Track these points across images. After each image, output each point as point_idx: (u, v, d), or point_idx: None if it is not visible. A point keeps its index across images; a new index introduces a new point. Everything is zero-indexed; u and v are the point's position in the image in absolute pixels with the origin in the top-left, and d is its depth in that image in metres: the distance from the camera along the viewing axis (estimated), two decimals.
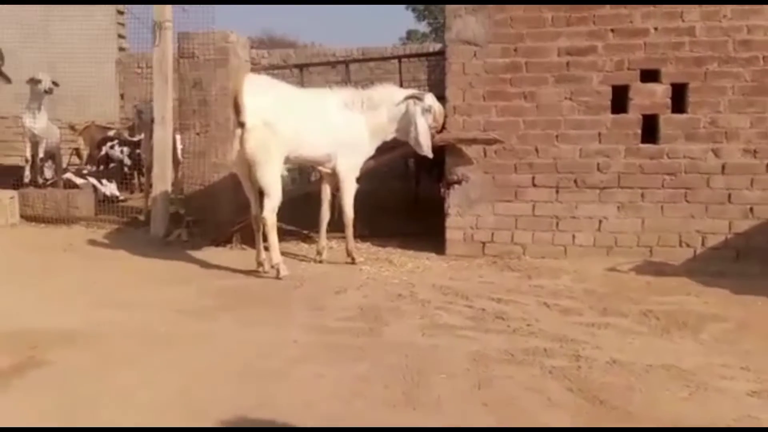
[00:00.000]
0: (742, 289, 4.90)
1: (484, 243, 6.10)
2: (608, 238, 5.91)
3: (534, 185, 6.00)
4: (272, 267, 5.41)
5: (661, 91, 5.79)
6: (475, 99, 6.06)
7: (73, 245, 6.62)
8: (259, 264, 5.55)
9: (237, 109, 5.15)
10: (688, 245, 5.81)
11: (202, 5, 7.17)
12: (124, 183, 9.66)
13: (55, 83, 8.38)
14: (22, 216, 7.69)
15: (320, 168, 5.93)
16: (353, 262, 5.84)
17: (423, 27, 29.12)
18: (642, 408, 2.98)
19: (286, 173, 5.64)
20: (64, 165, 9.95)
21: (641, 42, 5.79)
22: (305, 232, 6.85)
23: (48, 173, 9.10)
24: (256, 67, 9.86)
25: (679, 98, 5.79)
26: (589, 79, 5.88)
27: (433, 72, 11.00)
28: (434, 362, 3.51)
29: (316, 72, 11.40)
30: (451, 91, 6.11)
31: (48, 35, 9.49)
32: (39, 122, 8.36)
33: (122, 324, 4.14)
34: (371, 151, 5.99)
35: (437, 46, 11.98)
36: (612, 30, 5.83)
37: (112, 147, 10.27)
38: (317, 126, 5.64)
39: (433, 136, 5.88)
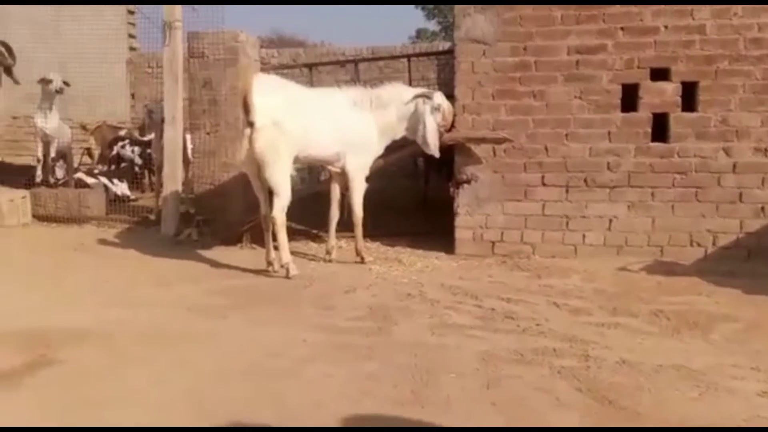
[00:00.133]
0: (753, 289, 4.87)
1: (493, 242, 6.09)
2: (618, 238, 5.88)
3: (543, 184, 5.99)
4: (282, 266, 5.43)
5: (671, 89, 5.76)
6: (485, 98, 6.05)
7: (85, 244, 6.67)
8: (269, 263, 5.57)
9: (246, 108, 5.16)
10: (698, 245, 5.78)
11: (211, 5, 7.20)
12: (134, 182, 9.72)
13: (66, 83, 8.43)
14: (33, 215, 7.73)
15: (329, 167, 5.95)
16: (362, 261, 5.85)
17: (432, 26, 29.10)
18: (651, 408, 2.97)
19: (295, 173, 5.66)
20: (76, 165, 10.01)
21: (651, 40, 5.77)
22: (314, 231, 6.87)
23: (59, 173, 9.15)
24: (266, 67, 9.89)
25: (689, 97, 5.76)
26: (599, 77, 5.85)
27: (442, 71, 11.00)
28: (443, 362, 3.51)
29: (326, 71, 11.43)
30: (460, 90, 6.10)
31: (59, 35, 9.55)
32: (50, 122, 8.41)
33: (133, 323, 4.17)
34: (380, 150, 5.99)
35: (447, 45, 11.96)
36: (622, 28, 5.81)
37: (123, 147, 10.33)
38: (326, 125, 5.65)
39: (441, 135, 5.88)
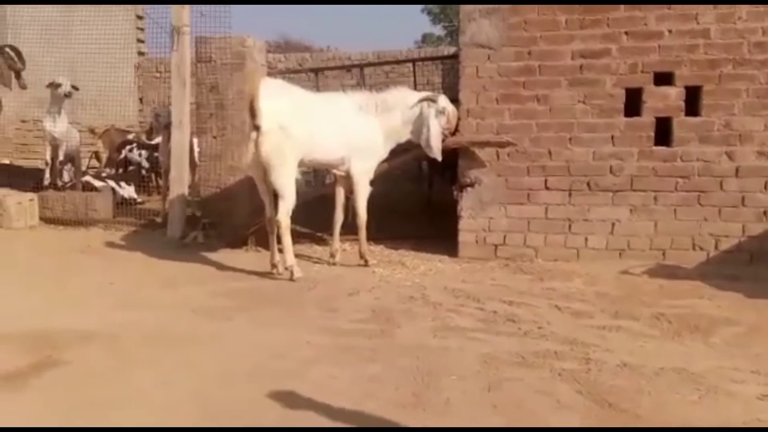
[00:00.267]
0: (755, 293, 4.88)
1: (496, 246, 6.13)
2: (621, 241, 5.91)
3: (547, 188, 6.02)
4: (286, 269, 5.47)
5: (674, 93, 5.78)
6: (489, 102, 6.09)
7: (91, 247, 6.72)
8: (273, 266, 5.61)
9: (253, 112, 5.21)
10: (701, 248, 5.80)
11: (219, 5, 7.25)
12: (141, 186, 9.78)
13: (74, 87, 8.48)
14: (41, 218, 7.80)
15: (334, 171, 5.99)
16: (366, 264, 5.89)
17: (438, 30, 29.21)
18: (651, 411, 2.99)
19: (300, 176, 5.70)
20: (84, 168, 10.08)
21: (655, 45, 5.79)
22: (319, 234, 6.91)
23: (65, 176, 9.22)
24: (272, 71, 9.95)
25: (692, 101, 5.78)
26: (603, 82, 5.88)
27: (447, 75, 11.02)
28: (445, 364, 3.54)
29: (332, 76, 11.46)
30: (464, 94, 6.14)
31: (68, 40, 9.60)
32: (59, 126, 8.47)
33: (138, 324, 4.21)
34: (385, 154, 6.03)
35: (452, 50, 12.00)
36: (626, 33, 5.83)
37: (131, 150, 10.41)
38: (332, 130, 5.69)
39: (445, 138, 5.92)
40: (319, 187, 8.02)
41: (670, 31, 5.77)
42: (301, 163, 5.61)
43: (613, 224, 5.92)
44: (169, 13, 7.23)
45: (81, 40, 9.41)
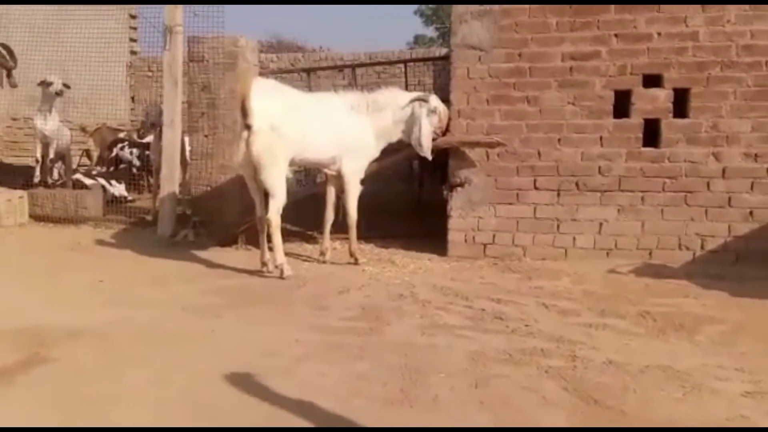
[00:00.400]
0: (740, 292, 4.94)
1: (485, 245, 6.16)
2: (608, 241, 5.96)
3: (536, 188, 6.06)
4: (276, 267, 5.49)
5: (663, 96, 5.83)
6: (479, 103, 6.13)
7: (81, 245, 6.71)
8: (264, 264, 5.62)
9: (244, 112, 5.23)
10: (687, 248, 5.86)
11: (212, 5, 7.26)
12: (132, 184, 9.77)
13: (66, 85, 8.48)
14: (31, 216, 7.76)
15: (325, 170, 6.01)
16: (356, 262, 5.91)
17: (430, 32, 29.25)
18: (636, 408, 3.02)
19: (291, 175, 5.72)
20: (75, 166, 10.05)
21: (644, 47, 5.84)
22: (309, 233, 6.92)
23: (56, 174, 9.20)
24: (265, 71, 9.95)
25: (681, 103, 5.84)
26: (592, 83, 5.93)
27: (438, 76, 11.04)
28: (433, 361, 3.56)
29: (324, 76, 11.48)
30: (455, 95, 6.18)
31: (60, 38, 9.58)
32: (50, 124, 8.46)
33: (128, 322, 4.21)
34: (376, 154, 6.06)
35: (444, 51, 12.03)
36: (616, 35, 5.88)
37: (122, 149, 10.40)
38: (323, 129, 5.72)
39: (437, 138, 5.96)
40: (310, 186, 8.03)
41: (659, 34, 5.82)
42: (292, 163, 5.63)
43: (600, 224, 5.97)
44: (161, 12, 7.23)
45: (73, 38, 9.39)
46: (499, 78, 6.08)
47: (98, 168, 10.58)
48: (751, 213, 5.77)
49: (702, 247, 5.84)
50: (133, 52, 13.16)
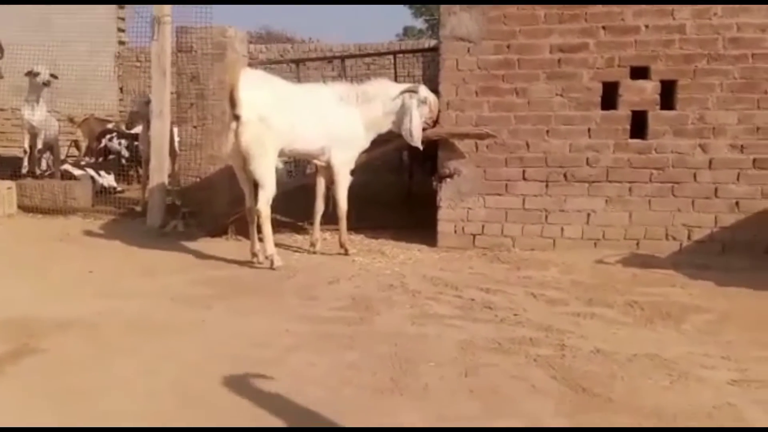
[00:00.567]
0: (726, 282, 4.98)
1: (474, 235, 6.19)
2: (596, 231, 6.00)
3: (524, 179, 6.09)
4: (266, 258, 5.49)
5: (650, 88, 5.87)
6: (468, 94, 6.14)
7: (70, 235, 6.68)
8: (254, 255, 5.62)
9: (233, 102, 5.21)
10: (674, 238, 5.91)
11: (200, 5, 7.23)
12: (121, 175, 9.72)
13: (53, 75, 8.41)
14: (19, 206, 7.73)
15: (315, 161, 6.01)
16: (346, 253, 5.92)
17: (420, 23, 29.14)
18: (623, 395, 3.05)
19: (281, 166, 5.71)
20: (63, 157, 10.00)
21: (632, 39, 5.86)
22: (300, 223, 6.93)
23: (44, 164, 9.15)
24: (254, 62, 9.90)
25: (668, 95, 5.87)
26: (580, 75, 5.95)
27: (428, 68, 11.03)
28: (423, 351, 3.58)
29: (313, 67, 11.44)
30: (444, 87, 6.18)
31: (48, 28, 9.50)
32: (37, 114, 8.40)
33: (118, 313, 4.20)
34: (366, 145, 6.06)
35: (433, 43, 12.02)
36: (604, 27, 5.90)
37: (110, 139, 10.34)
38: (312, 120, 5.71)
39: (428, 128, 5.98)
40: (300, 177, 8.03)
41: (646, 26, 5.85)
42: (281, 154, 5.62)
43: (588, 215, 6.01)
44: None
45: (61, 28, 9.32)
46: (487, 70, 6.09)
47: (87, 159, 10.52)
48: (737, 204, 5.83)
49: (689, 238, 5.89)
50: (121, 42, 13.07)
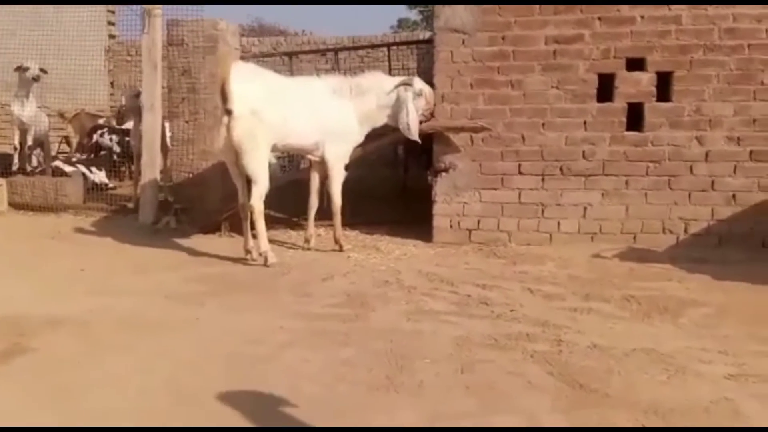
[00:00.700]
0: (723, 275, 4.96)
1: (470, 230, 6.16)
2: (593, 225, 5.97)
3: (520, 173, 6.05)
4: (260, 254, 5.44)
5: (646, 79, 5.83)
6: (463, 87, 6.10)
7: (62, 233, 6.63)
8: (247, 251, 5.58)
9: (224, 96, 5.15)
10: (671, 232, 5.88)
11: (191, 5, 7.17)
12: (113, 171, 9.65)
13: (43, 70, 8.34)
14: (10, 204, 7.67)
15: (309, 156, 5.96)
16: (341, 249, 5.88)
17: (414, 15, 29.08)
18: (620, 391, 3.03)
19: (275, 161, 5.66)
20: (54, 153, 9.92)
21: (628, 30, 5.83)
22: (294, 219, 6.88)
23: (34, 161, 9.08)
24: (246, 55, 9.85)
25: (664, 86, 5.84)
26: (576, 67, 5.91)
27: (422, 60, 11.02)
28: (418, 347, 3.55)
29: (306, 60, 11.41)
30: (439, 79, 6.14)
31: (37, 22, 9.42)
32: (27, 110, 8.34)
33: (110, 311, 4.16)
34: (360, 139, 6.02)
35: (428, 35, 11.98)
36: (599, 18, 5.86)
37: (102, 135, 10.26)
38: (305, 114, 5.66)
39: (425, 121, 5.93)
40: (294, 172, 7.98)
41: (642, 17, 5.81)
42: (274, 148, 5.58)
43: (585, 208, 5.98)
44: None
45: (50, 22, 9.24)
46: (482, 62, 6.05)
47: (78, 155, 10.44)
48: (733, 196, 5.81)
49: (685, 231, 5.87)
50: (111, 36, 12.98)
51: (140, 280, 4.98)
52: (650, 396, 2.98)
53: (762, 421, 2.79)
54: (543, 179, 6.02)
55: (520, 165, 6.05)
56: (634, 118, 5.89)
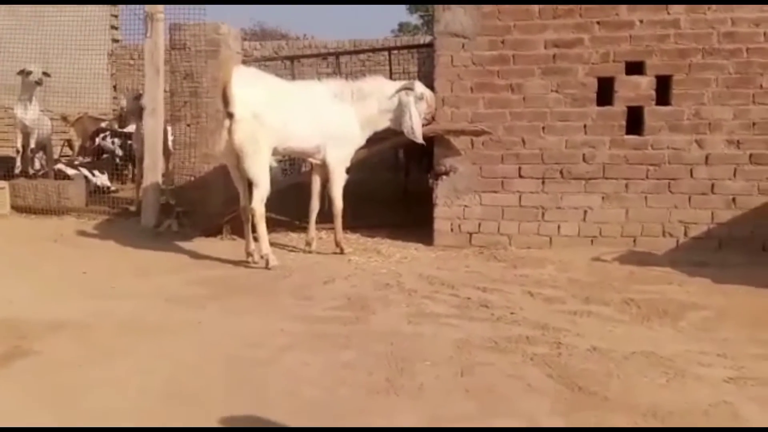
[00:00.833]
0: (723, 279, 4.97)
1: (470, 233, 6.17)
2: (593, 229, 5.98)
3: (520, 176, 6.06)
4: (261, 257, 5.46)
5: (645, 83, 5.84)
6: (463, 91, 6.11)
7: (64, 236, 6.65)
8: (249, 254, 5.59)
9: (226, 100, 5.17)
10: (671, 235, 5.89)
11: (193, 5, 7.20)
12: (115, 174, 9.68)
13: (46, 74, 8.37)
14: (12, 207, 7.69)
15: (310, 159, 5.98)
16: (342, 252, 5.90)
17: (415, 19, 29.11)
18: (619, 394, 3.03)
19: (276, 164, 5.67)
20: (56, 156, 9.95)
21: (627, 34, 5.84)
22: (295, 222, 6.89)
23: (37, 164, 9.10)
24: (248, 59, 9.89)
25: (663, 90, 5.84)
26: (575, 71, 5.93)
27: (423, 64, 11.00)
28: (419, 350, 3.56)
29: (307, 64, 11.43)
30: (439, 83, 6.16)
31: (40, 26, 9.44)
32: (30, 113, 8.35)
33: (111, 313, 4.17)
34: (361, 142, 6.04)
35: (428, 39, 11.99)
36: (598, 22, 5.88)
37: (104, 138, 10.29)
38: (306, 118, 5.68)
39: (425, 125, 5.96)
40: (295, 176, 8.00)
41: (641, 21, 5.82)
42: (275, 152, 5.60)
43: (585, 212, 5.98)
44: None
45: (53, 26, 9.26)
46: (482, 66, 6.07)
47: (80, 158, 10.47)
48: (733, 200, 5.81)
49: (685, 234, 5.87)
50: (114, 40, 13.02)
51: (142, 283, 4.99)
52: (649, 399, 2.98)
53: (761, 424, 2.79)
54: (543, 182, 6.03)
55: (520, 168, 6.06)
56: (634, 121, 5.90)
